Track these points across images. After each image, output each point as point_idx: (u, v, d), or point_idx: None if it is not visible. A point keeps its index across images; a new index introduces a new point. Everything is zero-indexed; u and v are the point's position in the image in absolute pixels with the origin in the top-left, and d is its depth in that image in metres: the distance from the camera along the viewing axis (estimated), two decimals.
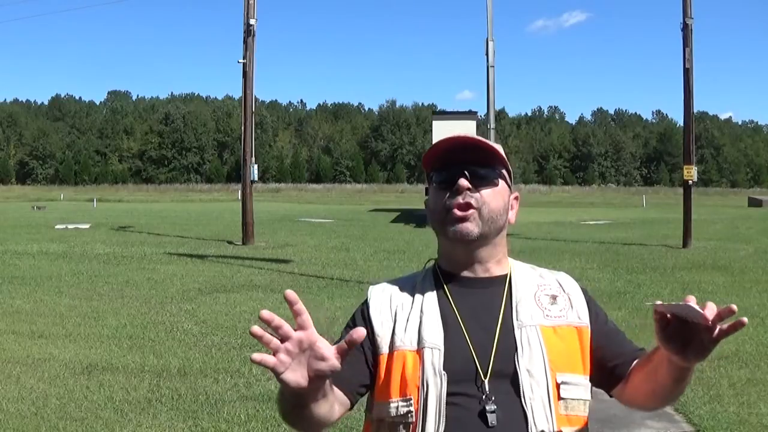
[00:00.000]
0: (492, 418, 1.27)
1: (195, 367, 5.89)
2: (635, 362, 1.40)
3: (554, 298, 1.41)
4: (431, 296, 1.40)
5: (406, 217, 29.50)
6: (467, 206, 1.35)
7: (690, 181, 16.84)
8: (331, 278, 10.92)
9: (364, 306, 1.46)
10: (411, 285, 1.45)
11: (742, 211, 36.74)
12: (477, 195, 1.36)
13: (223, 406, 4.85)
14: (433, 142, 1.45)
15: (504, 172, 1.43)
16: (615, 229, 21.95)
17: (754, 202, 43.99)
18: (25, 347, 6.51)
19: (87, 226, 22.36)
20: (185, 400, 5.00)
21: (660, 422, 4.54)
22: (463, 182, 1.35)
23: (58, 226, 21.84)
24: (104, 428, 4.46)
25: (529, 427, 1.28)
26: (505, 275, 1.43)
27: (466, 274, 1.42)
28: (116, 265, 12.48)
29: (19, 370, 5.75)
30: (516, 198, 1.47)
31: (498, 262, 1.43)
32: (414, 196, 55.00)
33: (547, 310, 1.38)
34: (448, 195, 1.37)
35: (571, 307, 1.40)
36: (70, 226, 21.79)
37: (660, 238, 18.16)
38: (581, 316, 1.39)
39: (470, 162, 1.38)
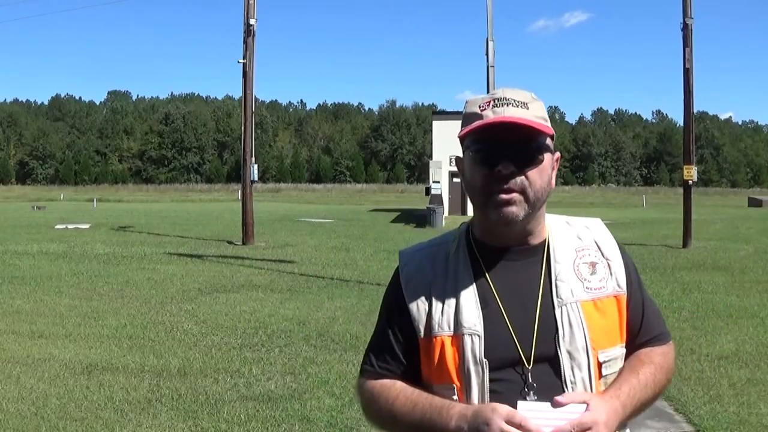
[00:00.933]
0: None
1: (195, 367, 5.89)
2: (635, 354, 1.36)
3: (593, 266, 1.35)
4: (467, 272, 1.34)
5: (406, 217, 29.53)
6: (511, 190, 1.26)
7: (690, 181, 16.85)
8: (331, 278, 10.91)
9: (397, 285, 1.39)
10: (444, 254, 1.39)
11: (742, 211, 36.75)
12: (521, 179, 1.27)
13: (223, 406, 4.85)
14: (471, 108, 1.31)
15: (548, 141, 1.32)
16: (615, 229, 21.79)
17: (754, 202, 44.04)
18: (25, 347, 6.50)
19: (87, 226, 22.36)
20: (185, 400, 4.99)
21: (660, 422, 4.54)
22: (506, 169, 1.26)
23: (58, 226, 21.84)
24: (104, 428, 4.46)
25: None
26: (543, 242, 1.37)
27: (503, 245, 1.35)
28: (116, 265, 12.48)
29: (19, 370, 5.74)
30: (557, 159, 1.38)
31: (538, 231, 1.36)
32: (414, 196, 55.01)
33: (587, 282, 1.32)
34: (488, 174, 1.27)
35: (611, 275, 1.34)
36: (70, 226, 21.79)
37: (660, 238, 18.16)
38: (620, 283, 1.34)
39: (514, 140, 1.27)
